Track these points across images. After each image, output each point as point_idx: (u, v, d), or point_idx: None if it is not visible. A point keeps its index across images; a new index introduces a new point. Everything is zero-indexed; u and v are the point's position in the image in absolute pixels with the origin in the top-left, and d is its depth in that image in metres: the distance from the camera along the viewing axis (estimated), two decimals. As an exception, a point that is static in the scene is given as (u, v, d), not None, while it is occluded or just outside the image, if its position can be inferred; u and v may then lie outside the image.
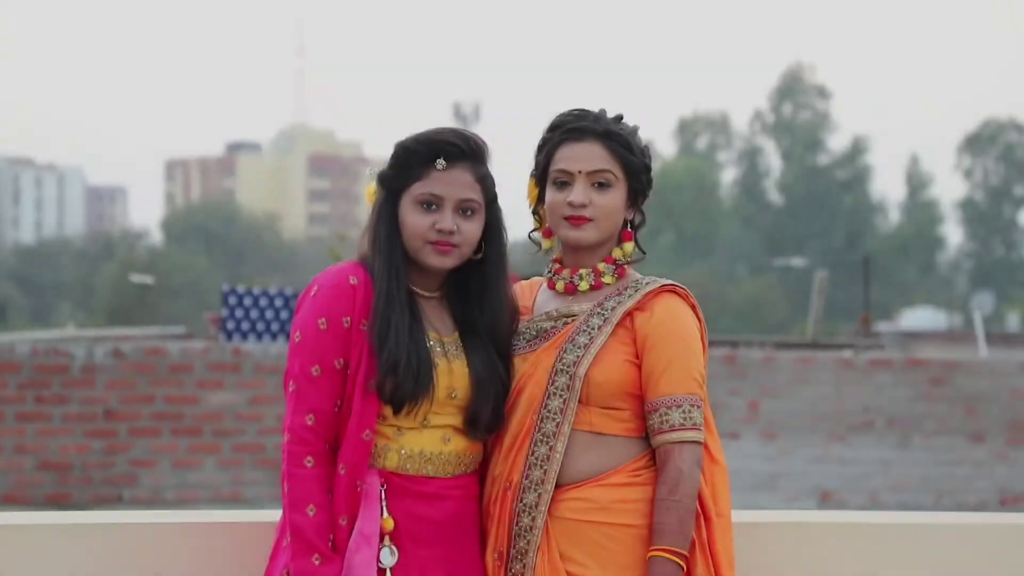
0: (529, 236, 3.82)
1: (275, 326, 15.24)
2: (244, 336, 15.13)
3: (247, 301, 15.33)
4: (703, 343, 3.67)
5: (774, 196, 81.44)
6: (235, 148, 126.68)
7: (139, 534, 3.99)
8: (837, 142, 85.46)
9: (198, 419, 11.44)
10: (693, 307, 3.69)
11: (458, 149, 3.57)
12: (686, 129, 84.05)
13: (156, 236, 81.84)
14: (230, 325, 15.28)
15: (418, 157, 3.57)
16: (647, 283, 3.67)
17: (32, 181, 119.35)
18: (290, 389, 3.51)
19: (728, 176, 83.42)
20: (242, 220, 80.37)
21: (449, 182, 3.56)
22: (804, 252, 69.66)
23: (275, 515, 4.01)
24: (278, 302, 15.33)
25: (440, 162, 3.56)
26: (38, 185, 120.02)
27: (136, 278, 49.46)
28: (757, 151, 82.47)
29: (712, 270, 67.62)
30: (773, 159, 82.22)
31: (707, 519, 3.58)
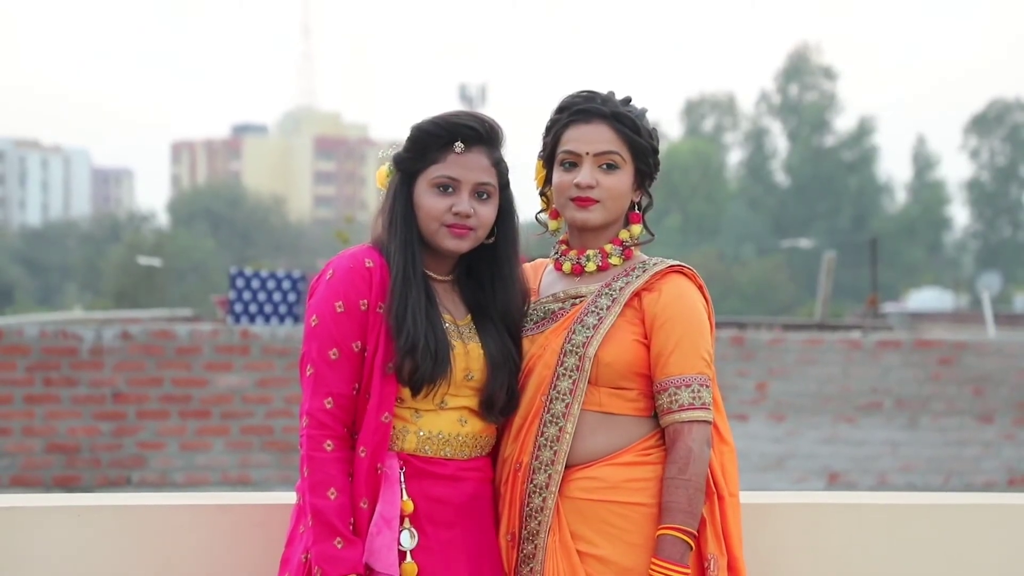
0: (536, 217, 3.84)
1: (283, 308, 15.25)
2: (252, 318, 15.14)
3: (255, 283, 15.34)
4: (711, 323, 3.68)
5: (780, 177, 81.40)
6: (241, 130, 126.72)
7: (150, 516, 4.00)
8: (843, 123, 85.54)
9: (206, 401, 11.45)
10: (700, 287, 3.70)
11: (475, 133, 3.57)
12: (692, 110, 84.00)
13: (162, 218, 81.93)
14: (238, 307, 15.28)
15: (435, 140, 3.57)
16: (654, 264, 3.69)
17: (38, 163, 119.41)
18: (308, 373, 3.50)
19: (734, 157, 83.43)
20: (248, 202, 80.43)
21: (466, 165, 3.56)
22: (810, 233, 69.67)
23: (285, 497, 4.02)
24: (286, 284, 15.33)
25: (459, 145, 3.56)
26: (44, 167, 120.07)
27: (144, 260, 49.49)
28: (763, 132, 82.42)
29: (718, 251, 67.63)
30: (779, 140, 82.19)
31: (720, 497, 3.60)
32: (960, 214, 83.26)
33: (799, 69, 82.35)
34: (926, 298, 56.39)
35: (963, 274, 75.63)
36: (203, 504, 4.05)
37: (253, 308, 15.27)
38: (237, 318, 15.18)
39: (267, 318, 15.16)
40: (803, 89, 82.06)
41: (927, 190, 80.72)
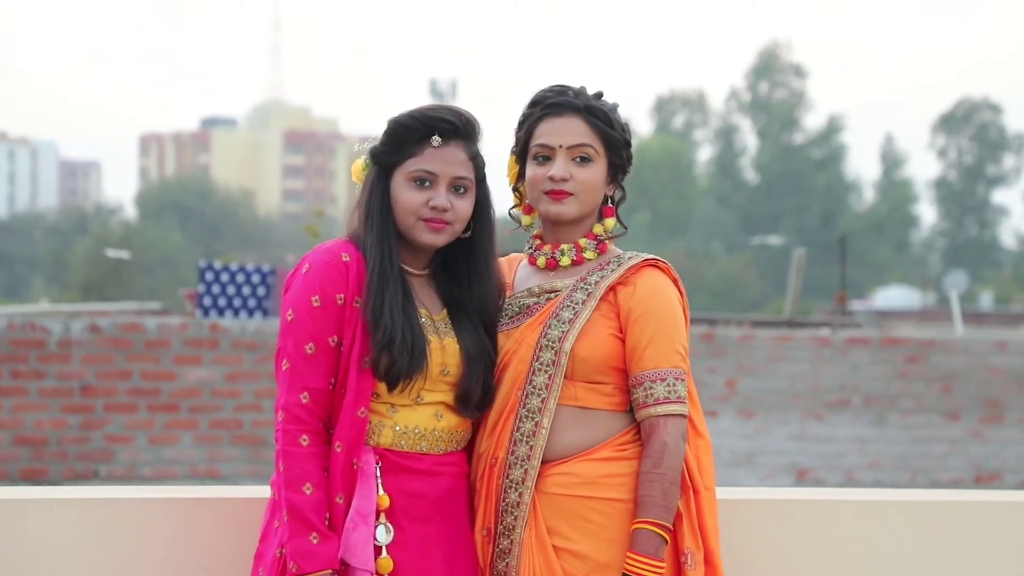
0: (509, 213, 3.83)
1: (252, 302, 15.21)
2: (220, 312, 15.09)
3: (224, 277, 15.30)
4: (685, 317, 3.69)
5: (749, 174, 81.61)
6: (210, 123, 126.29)
7: (123, 510, 3.98)
8: (812, 121, 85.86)
9: (175, 395, 11.41)
10: (675, 281, 3.70)
11: (453, 126, 3.57)
12: (662, 107, 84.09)
13: (130, 211, 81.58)
14: (206, 301, 15.24)
15: (413, 133, 3.56)
16: (629, 257, 3.69)
17: (5, 155, 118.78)
18: (283, 368, 3.48)
19: (704, 154, 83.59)
20: (217, 196, 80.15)
21: (443, 159, 3.56)
22: (779, 231, 69.86)
23: (259, 492, 4.00)
24: (255, 278, 15.29)
25: (436, 139, 3.56)
26: (11, 159, 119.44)
27: (113, 253, 49.28)
28: (733, 130, 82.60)
29: (687, 248, 67.75)
30: (749, 137, 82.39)
31: (695, 491, 3.61)
32: (927, 213, 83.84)
33: (769, 67, 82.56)
34: (893, 296, 56.66)
35: (930, 272, 75.96)
36: (177, 498, 4.02)
37: (222, 302, 15.23)
38: (206, 312, 15.14)
39: (236, 312, 15.13)
40: (773, 87, 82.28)
41: (895, 188, 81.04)
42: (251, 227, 75.40)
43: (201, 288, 15.32)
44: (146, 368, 11.38)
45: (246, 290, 15.25)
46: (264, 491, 3.86)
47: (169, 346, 11.44)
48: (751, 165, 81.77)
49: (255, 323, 11.92)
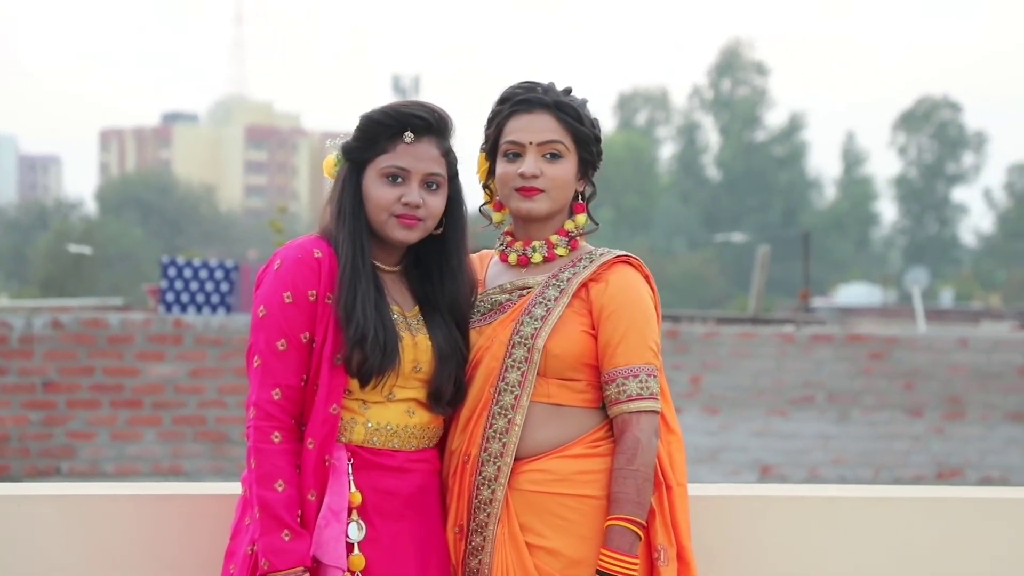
0: (480, 210, 3.82)
1: (215, 298, 15.14)
2: (183, 308, 15.02)
3: (187, 272, 15.22)
4: (657, 313, 3.69)
5: (712, 172, 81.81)
6: (171, 118, 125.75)
7: (92, 507, 3.96)
8: (774, 118, 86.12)
9: (138, 391, 11.36)
10: (647, 277, 3.71)
11: (425, 123, 3.56)
12: (625, 104, 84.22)
13: (91, 206, 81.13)
14: (169, 296, 15.16)
15: (385, 129, 3.55)
16: (601, 254, 3.69)
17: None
18: (255, 364, 3.47)
19: (666, 151, 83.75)
20: (178, 191, 79.80)
21: (416, 156, 3.55)
22: (741, 228, 70.05)
23: (229, 488, 3.98)
24: (218, 274, 15.22)
25: (408, 135, 3.55)
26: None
27: (75, 248, 49.04)
28: (695, 127, 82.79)
29: (650, 245, 67.88)
30: (711, 135, 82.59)
31: (668, 487, 3.61)
32: (888, 210, 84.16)
33: (731, 64, 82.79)
34: (855, 293, 56.86)
35: (890, 269, 76.31)
36: (146, 495, 4.00)
37: (185, 297, 15.15)
38: (169, 307, 15.07)
39: (199, 308, 15.06)
40: (735, 84, 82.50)
41: (856, 186, 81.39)
42: (213, 223, 75.13)
43: (164, 284, 15.24)
44: (109, 364, 11.33)
45: (209, 286, 15.17)
46: (234, 488, 3.85)
47: (132, 342, 11.39)
48: (713, 162, 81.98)
49: (219, 319, 11.88)
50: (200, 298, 15.12)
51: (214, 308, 15.04)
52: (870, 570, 4.17)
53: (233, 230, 74.00)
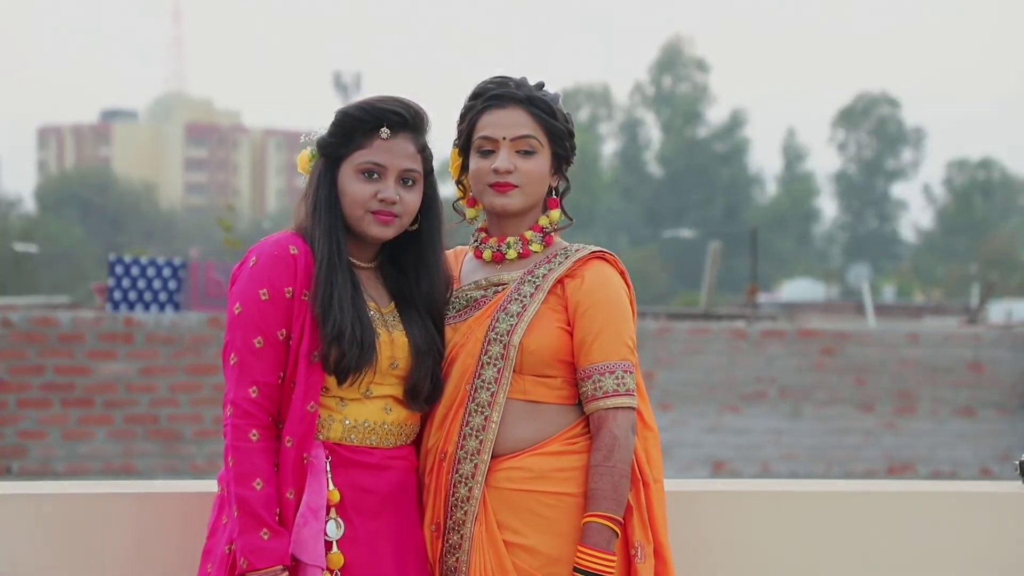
0: (453, 206, 3.81)
1: (163, 296, 15.04)
2: (131, 306, 14.90)
3: (134, 270, 15.11)
4: (632, 309, 3.69)
5: (654, 168, 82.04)
6: (110, 115, 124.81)
7: (63, 505, 3.92)
8: (716, 115, 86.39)
9: (89, 390, 11.29)
10: (622, 273, 3.71)
11: (402, 118, 3.55)
12: (567, 101, 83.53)
13: (29, 204, 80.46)
14: (117, 295, 15.05)
15: (361, 125, 3.54)
16: (576, 250, 3.69)
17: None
18: (231, 362, 3.44)
19: (609, 148, 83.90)
20: (118, 189, 79.22)
21: (392, 151, 3.53)
22: (683, 224, 70.31)
23: (204, 486, 3.96)
24: (166, 272, 15.12)
25: (385, 131, 3.53)
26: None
27: (20, 247, 48.65)
28: (637, 123, 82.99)
29: (593, 241, 67.87)
30: (653, 131, 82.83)
31: (645, 484, 3.61)
32: (828, 206, 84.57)
33: (673, 61, 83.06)
34: (798, 288, 57.16)
35: (832, 265, 76.80)
36: (120, 493, 3.97)
37: (133, 296, 15.03)
38: (116, 305, 14.96)
39: (147, 306, 14.95)
40: (676, 81, 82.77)
41: (797, 182, 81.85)
42: (154, 220, 74.64)
43: (111, 282, 15.12)
44: (59, 363, 11.25)
45: (157, 284, 15.07)
46: (193, 486, 3.83)
47: (83, 340, 11.32)
48: (655, 159, 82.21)
49: (170, 317, 11.83)
50: (148, 296, 15.02)
51: (162, 306, 14.94)
52: (832, 563, 4.21)
53: (174, 228, 73.58)
